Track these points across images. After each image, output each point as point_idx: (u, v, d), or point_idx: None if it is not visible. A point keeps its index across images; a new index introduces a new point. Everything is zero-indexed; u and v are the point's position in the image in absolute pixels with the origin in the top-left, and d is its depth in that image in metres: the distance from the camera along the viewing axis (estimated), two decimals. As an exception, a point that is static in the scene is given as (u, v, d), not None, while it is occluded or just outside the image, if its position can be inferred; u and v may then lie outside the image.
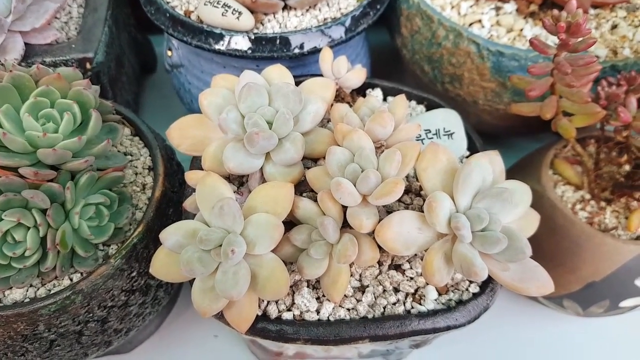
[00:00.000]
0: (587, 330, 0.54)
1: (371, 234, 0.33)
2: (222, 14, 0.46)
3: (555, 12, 0.36)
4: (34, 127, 0.36)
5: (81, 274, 0.37)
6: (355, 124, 0.37)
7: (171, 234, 0.31)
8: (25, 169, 0.34)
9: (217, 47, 0.46)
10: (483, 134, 0.47)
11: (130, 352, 0.49)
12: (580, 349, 0.52)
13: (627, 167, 0.47)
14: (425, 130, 0.43)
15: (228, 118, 0.35)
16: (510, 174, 0.35)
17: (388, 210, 0.37)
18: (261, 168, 0.36)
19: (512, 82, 0.41)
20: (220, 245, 0.31)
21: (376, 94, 0.47)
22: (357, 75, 0.45)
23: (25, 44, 0.48)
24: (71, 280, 0.36)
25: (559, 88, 0.39)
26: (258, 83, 0.37)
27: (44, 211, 0.35)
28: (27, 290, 0.36)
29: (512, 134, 0.64)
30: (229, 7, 0.46)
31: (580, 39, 0.36)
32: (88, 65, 0.49)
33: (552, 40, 0.49)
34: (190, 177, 0.36)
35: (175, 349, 0.51)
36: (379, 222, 0.32)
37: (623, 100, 0.43)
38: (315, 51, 0.49)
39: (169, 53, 0.55)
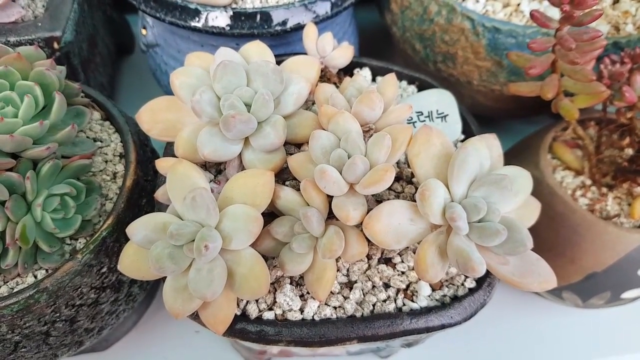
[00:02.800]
0: (585, 322, 0.52)
1: (359, 225, 0.30)
2: (198, -12, 0.42)
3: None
4: (-12, 112, 0.32)
5: (46, 270, 0.34)
6: (341, 105, 0.34)
7: (139, 228, 0.29)
8: (-23, 158, 0.30)
9: (192, 24, 0.43)
10: (476, 117, 0.44)
11: (106, 350, 0.47)
12: (578, 341, 0.51)
13: (629, 151, 0.44)
14: (417, 112, 0.40)
15: (202, 100, 0.32)
16: (506, 159, 0.33)
17: (377, 199, 0.34)
18: (240, 155, 0.34)
19: (511, 60, 0.39)
20: (194, 240, 0.28)
21: (364, 73, 0.44)
22: (343, 53, 0.42)
23: (-14, 21, 0.44)
24: (35, 277, 0.34)
25: (561, 65, 0.36)
26: (235, 61, 0.34)
27: (2, 203, 0.32)
28: (-15, 290, 0.33)
29: (507, 117, 0.62)
30: (206, -20, 0.42)
31: (585, 11, 0.33)
32: (56, 45, 0.46)
33: (552, 16, 0.47)
34: (161, 164, 0.33)
35: (154, 345, 0.48)
36: (367, 212, 0.29)
37: (627, 79, 0.40)
38: (299, 28, 0.45)
39: (144, 32, 0.52)
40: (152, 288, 0.48)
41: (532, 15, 0.35)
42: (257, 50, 0.36)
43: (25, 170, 0.33)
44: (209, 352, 0.48)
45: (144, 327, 0.49)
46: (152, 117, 0.35)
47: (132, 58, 0.71)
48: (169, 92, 0.55)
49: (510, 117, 0.62)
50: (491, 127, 0.55)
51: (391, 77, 0.36)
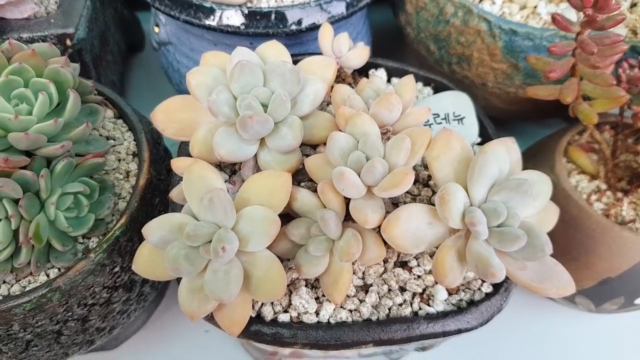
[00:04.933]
0: (598, 327, 0.51)
1: (376, 228, 0.30)
2: (213, -14, 0.42)
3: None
4: (5, 109, 0.32)
5: (59, 269, 0.34)
6: (358, 107, 0.34)
7: (155, 229, 0.28)
8: (-7, 155, 0.30)
9: (207, 22, 0.43)
10: (490, 118, 0.44)
11: (115, 349, 0.47)
12: (590, 346, 0.50)
13: (646, 156, 0.44)
14: (434, 114, 0.40)
15: (219, 100, 0.32)
16: (522, 162, 0.33)
17: (394, 202, 0.34)
18: (255, 155, 0.33)
19: (529, 63, 0.38)
20: (210, 242, 0.28)
21: (380, 74, 0.44)
22: (359, 54, 0.42)
23: (0, 18, 0.44)
24: (48, 276, 0.33)
25: (581, 69, 0.36)
26: (252, 61, 0.34)
27: (16, 201, 0.31)
28: (-1, 288, 0.33)
29: (520, 119, 0.61)
30: (221, -22, 0.42)
31: (607, 15, 0.32)
32: (68, 42, 0.45)
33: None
34: (177, 164, 0.32)
35: (163, 344, 0.48)
36: (385, 216, 0.29)
37: (645, 84, 0.40)
38: (314, 28, 0.45)
39: (156, 29, 0.51)
40: (162, 287, 0.47)
41: (554, 18, 0.34)
42: (274, 50, 0.36)
43: (39, 168, 0.33)
44: (218, 351, 0.48)
45: (153, 326, 0.49)
46: (167, 116, 0.34)
47: (142, 55, 0.70)
48: (180, 90, 0.55)
49: (524, 119, 0.61)
50: (504, 129, 0.54)
51: (409, 79, 0.36)
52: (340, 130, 0.33)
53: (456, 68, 0.51)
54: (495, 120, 0.55)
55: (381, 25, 0.64)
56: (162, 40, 0.52)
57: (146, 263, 0.30)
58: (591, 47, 0.32)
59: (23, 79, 0.34)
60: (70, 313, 0.34)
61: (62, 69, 0.35)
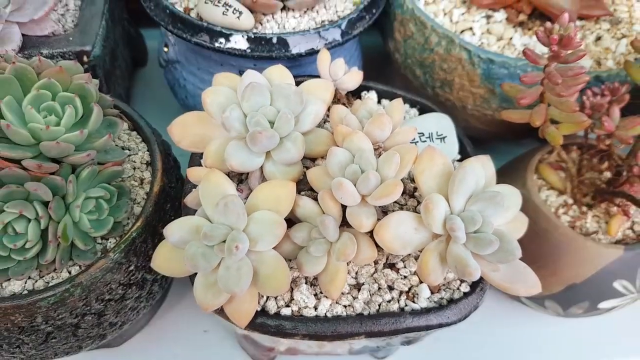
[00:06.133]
0: (565, 329, 0.56)
1: (369, 232, 0.34)
2: (223, 13, 0.46)
3: (548, 24, 0.38)
4: (36, 120, 0.36)
5: (80, 266, 0.37)
6: (354, 125, 0.38)
7: (175, 230, 0.32)
8: (28, 161, 0.34)
9: (216, 45, 0.47)
10: (469, 138, 0.49)
11: (120, 346, 0.50)
12: (559, 348, 0.55)
13: (608, 174, 0.49)
14: (419, 133, 0.45)
15: (231, 116, 0.36)
16: (497, 177, 0.37)
17: (384, 210, 0.38)
18: (261, 166, 0.37)
19: (504, 90, 0.43)
20: (224, 242, 0.31)
21: (371, 96, 0.49)
22: (353, 77, 0.46)
23: (23, 35, 0.48)
24: (69, 273, 0.37)
25: (548, 97, 0.41)
26: (260, 83, 0.38)
27: (45, 204, 0.35)
28: (25, 282, 0.36)
29: (497, 139, 0.66)
30: (230, 6, 0.47)
31: (571, 51, 0.38)
32: (85, 59, 0.49)
33: (540, 50, 0.52)
34: (193, 173, 0.36)
35: (164, 343, 0.51)
36: (376, 222, 0.33)
37: (607, 110, 0.45)
38: (312, 52, 0.50)
39: (166, 49, 0.55)
40: (166, 289, 0.51)
41: (525, 53, 0.39)
42: (279, 74, 0.40)
43: (66, 174, 0.36)
44: (216, 350, 0.51)
45: (155, 325, 0.52)
46: (183, 130, 0.38)
47: (145, 70, 0.74)
48: (185, 105, 0.58)
49: (501, 139, 0.66)
50: (483, 147, 0.59)
51: (398, 102, 0.40)
52: (338, 146, 0.37)
53: (439, 91, 0.56)
54: (474, 139, 0.60)
55: (371, 49, 0.69)
56: (170, 59, 0.55)
57: (165, 261, 0.33)
58: (556, 78, 0.38)
59: (51, 93, 0.38)
60: (88, 307, 0.37)
61: (86, 84, 0.39)
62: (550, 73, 0.38)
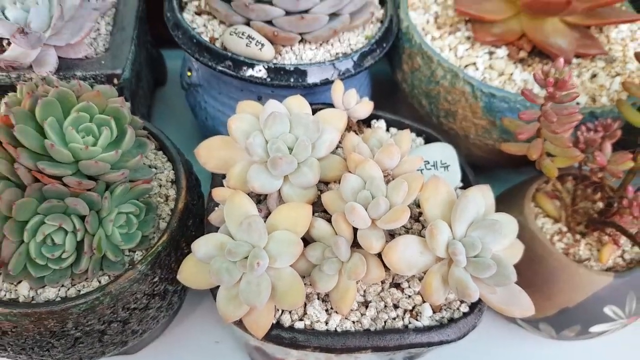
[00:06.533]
0: (558, 351, 0.59)
1: (377, 254, 0.37)
2: (247, 45, 0.50)
3: (545, 68, 0.41)
4: (76, 140, 0.39)
5: (109, 276, 0.40)
6: (365, 154, 0.42)
7: (202, 246, 0.35)
8: (69, 178, 0.37)
9: (239, 74, 0.50)
10: (471, 164, 0.52)
11: (136, 354, 0.52)
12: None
13: (600, 204, 0.52)
14: (425, 161, 0.48)
15: (254, 142, 0.39)
16: (497, 203, 0.41)
17: (391, 233, 0.41)
18: (279, 188, 0.41)
19: (504, 124, 0.47)
20: (246, 258, 0.34)
21: (380, 125, 0.52)
22: (364, 107, 0.50)
23: (59, 57, 0.51)
24: (99, 282, 0.40)
25: (544, 133, 0.44)
26: (281, 112, 0.41)
27: (81, 217, 0.38)
28: (59, 290, 0.39)
29: (497, 166, 0.70)
30: (253, 38, 0.50)
31: (565, 92, 0.41)
32: (115, 81, 0.53)
33: (537, 86, 0.55)
34: (217, 193, 0.40)
35: (177, 353, 0.54)
36: (384, 244, 0.36)
37: (599, 145, 0.48)
38: (327, 82, 0.53)
39: (189, 73, 0.59)
40: (181, 301, 0.53)
41: (523, 93, 0.43)
42: (298, 104, 0.44)
43: (101, 190, 0.39)
44: (227, 360, 0.53)
45: (169, 335, 0.54)
46: (209, 153, 0.42)
47: (164, 89, 0.78)
48: (205, 126, 0.62)
49: (501, 166, 0.70)
50: (484, 174, 0.63)
51: (406, 133, 0.44)
52: (350, 172, 0.40)
53: (443, 120, 0.60)
54: (476, 166, 0.63)
55: (380, 76, 0.73)
56: (192, 83, 0.59)
57: (190, 274, 0.36)
58: (552, 117, 0.41)
59: (89, 115, 0.41)
60: (115, 315, 0.40)
61: (121, 108, 0.42)
62: (546, 112, 0.41)
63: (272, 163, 0.38)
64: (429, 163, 0.48)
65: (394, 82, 0.67)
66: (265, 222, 0.37)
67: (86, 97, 0.42)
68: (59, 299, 0.38)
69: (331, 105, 0.50)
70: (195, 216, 0.46)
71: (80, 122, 0.41)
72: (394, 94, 0.70)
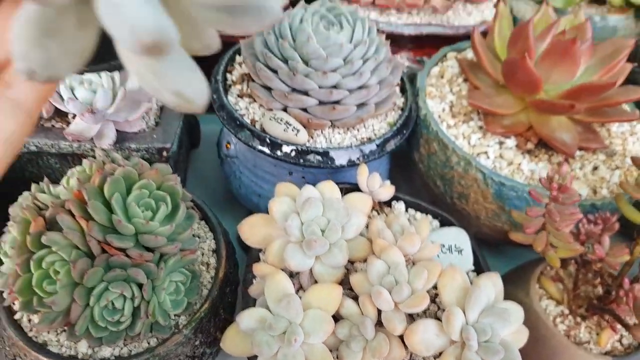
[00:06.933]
0: None
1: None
2: (284, 130, 0.57)
3: (549, 173, 0.47)
4: (138, 215, 0.45)
5: (157, 339, 0.44)
6: (389, 239, 0.47)
7: (246, 318, 0.40)
8: (132, 250, 0.42)
9: (276, 153, 0.57)
10: (481, 241, 0.57)
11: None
12: None
13: (600, 290, 0.57)
14: (441, 244, 0.53)
15: (292, 225, 0.45)
16: (504, 281, 0.45)
17: (410, 314, 0.46)
18: (311, 267, 0.46)
19: (513, 216, 0.52)
20: (284, 333, 0.39)
21: (400, 206, 0.58)
22: (387, 191, 0.56)
23: (117, 131, 0.58)
24: (148, 343, 0.44)
25: (548, 227, 0.49)
26: (315, 197, 0.47)
27: (138, 285, 0.43)
28: (113, 349, 0.43)
29: (505, 244, 0.75)
30: (290, 124, 0.57)
31: (567, 195, 0.47)
32: (165, 154, 0.59)
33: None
34: (258, 269, 0.45)
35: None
36: (406, 326, 0.41)
37: (599, 238, 0.53)
38: (352, 164, 0.59)
39: (228, 146, 0.65)
40: None
41: (530, 193, 0.49)
42: (330, 189, 0.50)
43: (156, 260, 0.45)
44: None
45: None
46: (251, 229, 0.47)
47: (198, 151, 0.85)
48: (239, 193, 0.68)
49: (508, 244, 0.75)
50: (493, 250, 0.68)
51: (425, 221, 0.49)
52: (375, 254, 0.45)
53: (457, 202, 0.65)
54: (487, 243, 0.68)
55: (398, 154, 0.79)
56: (230, 154, 0.66)
57: (232, 343, 0.41)
58: (555, 216, 0.46)
59: (148, 191, 0.47)
60: (159, 374, 0.44)
61: (175, 185, 0.48)
62: (550, 211, 0.47)
63: (307, 245, 0.44)
64: (444, 246, 0.53)
65: (412, 160, 0.73)
66: (300, 299, 0.42)
67: (146, 175, 0.48)
68: (113, 357, 0.43)
69: (356, 185, 0.56)
70: (232, 284, 0.51)
71: (141, 197, 0.46)
72: (411, 170, 0.76)
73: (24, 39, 0.17)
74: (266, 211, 0.61)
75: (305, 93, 0.58)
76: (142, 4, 0.15)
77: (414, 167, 0.73)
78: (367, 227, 0.50)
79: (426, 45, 0.83)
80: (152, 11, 0.15)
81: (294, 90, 0.59)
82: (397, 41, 0.80)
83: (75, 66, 0.18)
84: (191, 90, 0.19)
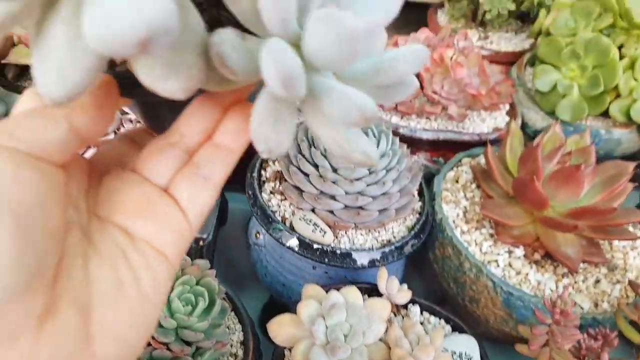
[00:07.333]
0: None
1: None
2: (312, 230, 0.62)
3: (552, 298, 0.52)
4: (180, 311, 0.50)
5: None
6: (406, 349, 0.51)
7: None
8: (174, 345, 0.47)
9: (304, 252, 0.62)
10: (491, 340, 0.61)
11: None
12: None
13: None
14: (452, 351, 0.57)
15: (318, 330, 0.50)
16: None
17: (421, 420, 0.50)
18: (333, 369, 0.50)
19: (520, 330, 0.56)
20: None
21: (415, 309, 0.62)
22: (403, 295, 0.60)
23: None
24: None
25: (551, 344, 0.54)
26: (339, 302, 0.52)
27: (176, 377, 0.47)
28: None
29: (513, 345, 0.78)
30: (318, 226, 0.63)
31: (568, 319, 0.51)
32: (201, 243, 0.65)
33: (549, 287, 0.66)
34: (285, 370, 0.49)
35: None
36: None
37: (598, 353, 0.57)
38: (373, 264, 0.64)
39: (257, 235, 0.71)
40: None
41: (535, 312, 0.53)
42: (353, 294, 0.55)
43: (194, 354, 0.49)
44: None
45: None
46: (279, 328, 0.52)
47: (224, 229, 0.90)
48: (264, 280, 0.73)
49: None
50: (500, 346, 0.70)
51: (440, 330, 0.54)
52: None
53: (468, 304, 0.70)
54: (495, 341, 0.72)
55: (415, 252, 0.85)
56: (258, 243, 0.71)
57: None
58: (557, 337, 0.51)
59: (189, 286, 0.53)
60: None
61: (212, 281, 0.54)
62: (553, 332, 0.51)
63: (332, 349, 0.48)
64: (455, 354, 0.57)
65: (427, 257, 0.78)
66: (322, 401, 0.46)
67: (188, 271, 0.53)
68: None
69: (375, 285, 0.61)
70: (255, 375, 0.55)
71: (183, 292, 0.52)
72: (426, 267, 0.81)
73: (264, 125, 0.22)
74: (288, 298, 0.66)
75: (333, 197, 0.65)
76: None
77: (429, 266, 0.78)
78: (385, 331, 0.55)
79: (442, 147, 0.90)
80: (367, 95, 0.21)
81: (322, 193, 0.65)
82: (415, 144, 0.87)
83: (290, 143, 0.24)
84: (371, 150, 0.25)
